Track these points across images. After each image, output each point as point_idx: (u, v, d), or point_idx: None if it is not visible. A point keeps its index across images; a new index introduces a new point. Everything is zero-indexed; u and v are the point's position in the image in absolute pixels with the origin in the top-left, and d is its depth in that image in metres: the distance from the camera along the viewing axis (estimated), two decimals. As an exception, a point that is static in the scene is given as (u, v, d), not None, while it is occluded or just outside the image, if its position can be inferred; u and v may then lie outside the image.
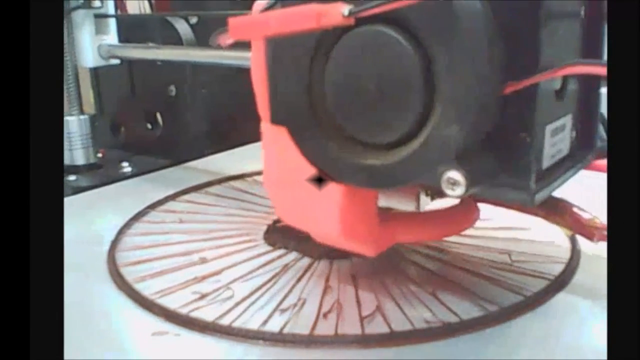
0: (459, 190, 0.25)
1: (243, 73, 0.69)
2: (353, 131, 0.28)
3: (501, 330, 0.30)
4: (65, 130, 0.59)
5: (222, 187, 0.53)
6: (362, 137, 0.28)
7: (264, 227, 0.44)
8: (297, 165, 0.30)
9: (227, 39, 0.31)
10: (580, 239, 0.39)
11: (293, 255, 0.39)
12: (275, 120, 0.31)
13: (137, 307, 0.34)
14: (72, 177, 0.59)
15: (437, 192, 0.32)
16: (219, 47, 0.33)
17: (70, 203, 0.52)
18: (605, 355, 0.21)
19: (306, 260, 0.38)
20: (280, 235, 0.42)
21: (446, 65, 0.25)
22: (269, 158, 0.33)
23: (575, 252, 0.37)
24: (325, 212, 0.30)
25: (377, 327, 0.31)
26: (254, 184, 0.54)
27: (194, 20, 0.62)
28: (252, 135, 0.68)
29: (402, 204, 0.32)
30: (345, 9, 0.24)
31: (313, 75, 0.29)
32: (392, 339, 0.30)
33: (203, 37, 0.62)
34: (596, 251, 0.33)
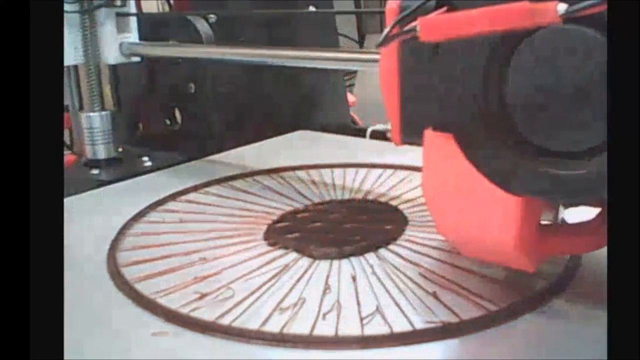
0: None
1: (260, 71, 0.69)
2: (538, 139, 0.26)
3: (501, 330, 0.30)
4: (87, 126, 0.60)
5: (222, 187, 0.53)
6: (550, 145, 0.26)
7: (264, 227, 0.43)
8: (463, 175, 0.28)
9: (400, 40, 0.29)
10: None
11: (293, 255, 0.39)
12: (414, 129, 0.29)
13: (137, 307, 0.34)
14: (94, 171, 0.60)
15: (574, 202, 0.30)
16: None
17: (84, 199, 0.53)
18: (605, 356, 0.21)
19: (306, 260, 0.38)
20: (280, 235, 0.42)
21: None
22: (430, 167, 0.30)
23: (575, 252, 0.37)
24: (497, 224, 0.28)
25: (377, 327, 0.31)
26: (253, 184, 0.54)
27: (213, 18, 0.63)
28: (268, 132, 0.69)
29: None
30: (562, 6, 0.22)
31: (488, 80, 0.27)
32: (392, 339, 0.30)
33: (222, 35, 0.63)
34: (596, 252, 0.33)
